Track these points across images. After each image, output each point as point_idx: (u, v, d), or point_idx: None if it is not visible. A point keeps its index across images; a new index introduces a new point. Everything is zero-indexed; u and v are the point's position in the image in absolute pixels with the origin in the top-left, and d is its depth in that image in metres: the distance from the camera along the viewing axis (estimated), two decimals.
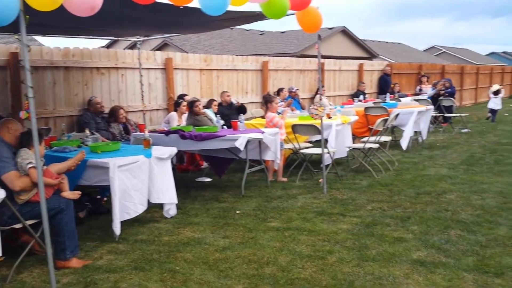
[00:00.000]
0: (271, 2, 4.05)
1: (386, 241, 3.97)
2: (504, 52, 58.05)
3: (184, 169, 7.12)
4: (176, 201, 4.81)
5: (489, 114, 12.99)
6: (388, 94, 11.30)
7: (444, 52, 44.59)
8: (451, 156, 7.71)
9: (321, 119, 5.62)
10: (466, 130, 10.75)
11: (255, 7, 4.29)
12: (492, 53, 56.97)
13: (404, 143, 8.24)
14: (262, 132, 5.84)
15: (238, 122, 6.10)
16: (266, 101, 6.53)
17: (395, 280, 3.25)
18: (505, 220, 4.41)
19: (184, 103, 6.98)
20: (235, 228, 4.43)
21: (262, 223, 4.57)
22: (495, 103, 12.74)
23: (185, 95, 7.60)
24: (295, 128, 6.33)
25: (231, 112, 7.68)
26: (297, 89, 9.95)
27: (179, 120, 6.96)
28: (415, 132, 8.71)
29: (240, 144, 5.38)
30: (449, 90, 12.36)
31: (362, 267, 3.46)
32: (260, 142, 5.89)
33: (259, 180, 6.38)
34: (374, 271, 3.39)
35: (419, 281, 3.22)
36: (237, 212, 4.96)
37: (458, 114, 11.62)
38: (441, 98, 11.66)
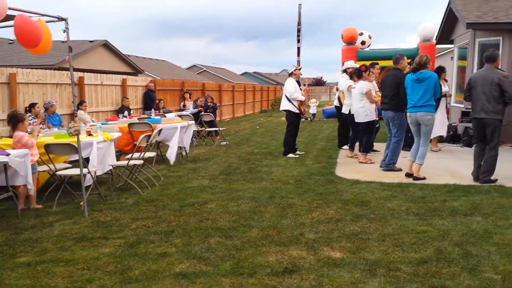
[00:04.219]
0: None
1: (150, 258, 3.91)
2: (255, 72, 66.12)
3: None
4: None
5: (312, 117, 20.35)
6: (153, 110, 11.45)
7: (205, 70, 48.11)
8: (212, 167, 8.25)
9: (78, 136, 5.23)
10: (224, 142, 11.72)
11: None
12: (245, 73, 64.22)
13: (172, 158, 8.45)
14: (8, 154, 5.08)
15: None
16: (15, 121, 5.71)
17: None
18: (257, 222, 4.90)
19: None
20: None
21: (10, 260, 3.94)
22: (312, 110, 20.73)
23: None
24: (48, 148, 5.72)
25: None
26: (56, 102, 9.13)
27: None
28: (179, 147, 9.02)
29: None
30: (212, 105, 13.49)
31: None
32: (5, 165, 5.11)
33: (7, 210, 5.53)
34: None
35: None
36: None
37: (216, 129, 12.57)
38: (202, 114, 12.44)
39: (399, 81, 7.18)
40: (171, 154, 8.50)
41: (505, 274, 3.51)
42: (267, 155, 9.53)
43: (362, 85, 8.06)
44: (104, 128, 7.33)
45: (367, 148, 8.43)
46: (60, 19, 4.90)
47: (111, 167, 6.76)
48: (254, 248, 4.15)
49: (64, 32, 4.97)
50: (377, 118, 8.58)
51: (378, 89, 8.71)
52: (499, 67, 6.70)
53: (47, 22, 4.89)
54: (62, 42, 4.95)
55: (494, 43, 10.42)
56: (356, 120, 8.32)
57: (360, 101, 8.10)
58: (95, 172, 6.01)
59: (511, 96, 6.26)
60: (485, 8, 11.23)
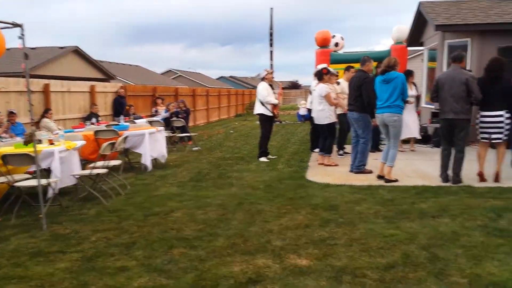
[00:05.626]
0: None
1: (107, 273, 3.73)
2: (231, 76, 66.03)
3: None
4: None
5: (301, 118, 19.84)
6: (122, 116, 11.20)
7: (180, 75, 47.71)
8: (182, 174, 8.06)
9: (35, 146, 5.00)
10: (197, 148, 11.53)
11: None
12: (221, 77, 64.06)
13: (148, 164, 8.29)
14: None
15: None
16: None
17: None
18: (223, 230, 4.75)
19: None
20: None
21: None
22: (302, 111, 19.40)
23: None
24: (6, 159, 5.46)
25: None
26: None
27: None
28: (155, 159, 8.82)
29: None
30: (184, 110, 13.45)
31: None
32: None
33: None
34: None
35: None
36: None
37: (188, 134, 12.39)
38: (173, 119, 12.25)
39: (362, 82, 7.19)
40: (146, 162, 8.34)
41: (471, 277, 3.47)
42: (238, 160, 9.39)
43: (321, 88, 8.08)
44: (67, 136, 7.08)
45: (329, 150, 8.41)
46: (15, 25, 4.69)
47: (74, 177, 6.50)
48: (218, 258, 4.01)
49: (19, 38, 4.76)
50: (337, 120, 8.58)
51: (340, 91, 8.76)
52: (466, 68, 6.75)
53: (1, 28, 4.69)
54: (19, 49, 4.75)
55: (463, 45, 10.55)
56: (316, 122, 8.35)
57: (320, 104, 8.14)
58: (56, 182, 5.76)
59: (477, 97, 6.30)
60: (453, 10, 11.38)
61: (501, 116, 6.37)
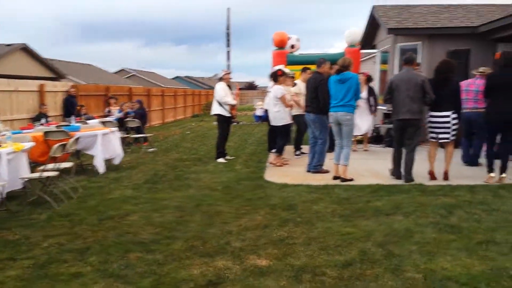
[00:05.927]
0: None
1: (61, 280, 3.57)
2: (187, 76, 65.30)
3: None
4: None
5: (258, 119, 20.28)
6: (73, 117, 10.81)
7: (134, 75, 46.63)
8: (137, 176, 7.86)
9: None
10: (152, 149, 11.31)
11: None
12: (177, 77, 63.23)
13: (100, 167, 8.02)
14: None
15: None
16: None
17: None
18: (181, 233, 4.67)
19: None
20: None
21: None
22: (259, 112, 20.04)
23: None
24: None
25: None
26: None
27: None
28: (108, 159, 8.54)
29: None
30: (140, 111, 13.20)
31: None
32: None
33: None
34: None
35: None
36: None
37: (143, 135, 12.15)
38: (127, 119, 11.97)
39: (318, 84, 7.34)
40: (98, 164, 8.06)
41: (426, 272, 3.58)
42: (196, 161, 9.29)
43: (277, 89, 8.20)
44: (15, 137, 6.73)
45: (281, 150, 8.51)
46: None
47: (22, 180, 6.19)
48: (177, 261, 3.93)
49: None
50: (292, 121, 8.71)
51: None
52: (419, 70, 7.00)
53: None
54: None
55: (414, 48, 10.95)
56: (273, 124, 8.46)
57: (275, 105, 8.25)
58: (3, 186, 5.47)
59: (431, 98, 6.56)
60: (405, 15, 11.79)
61: (447, 116, 6.65)
